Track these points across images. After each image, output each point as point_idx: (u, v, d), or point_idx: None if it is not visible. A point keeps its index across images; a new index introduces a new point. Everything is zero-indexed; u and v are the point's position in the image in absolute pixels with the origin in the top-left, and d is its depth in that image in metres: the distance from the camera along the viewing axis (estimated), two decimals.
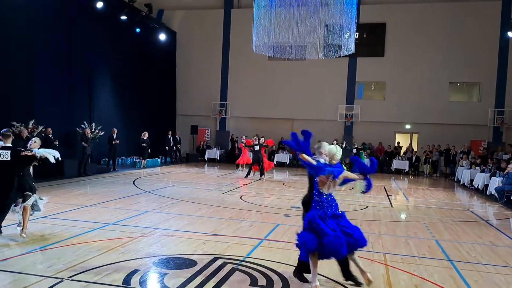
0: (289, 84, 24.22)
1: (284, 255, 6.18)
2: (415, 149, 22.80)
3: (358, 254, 5.12)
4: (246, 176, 16.92)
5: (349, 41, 16.12)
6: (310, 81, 23.96)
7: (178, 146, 23.20)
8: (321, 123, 23.95)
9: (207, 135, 25.97)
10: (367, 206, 11.11)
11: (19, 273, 4.98)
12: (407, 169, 21.41)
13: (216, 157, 24.23)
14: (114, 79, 19.57)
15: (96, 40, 17.88)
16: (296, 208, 10.20)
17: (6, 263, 5.33)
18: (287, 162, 23.03)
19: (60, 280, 4.81)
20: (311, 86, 23.97)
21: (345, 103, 23.86)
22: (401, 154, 22.72)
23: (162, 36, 23.22)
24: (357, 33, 21.73)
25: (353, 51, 16.42)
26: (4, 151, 6.52)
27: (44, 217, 8.06)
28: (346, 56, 19.46)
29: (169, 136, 22.23)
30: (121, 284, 4.78)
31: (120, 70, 19.90)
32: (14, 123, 12.89)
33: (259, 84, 24.62)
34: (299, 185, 15.19)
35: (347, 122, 23.87)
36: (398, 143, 23.36)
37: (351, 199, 12.29)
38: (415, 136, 23.88)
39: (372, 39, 23.34)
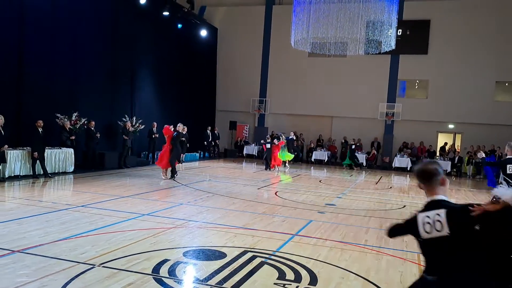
0: (328, 81, 23.84)
1: (314, 251, 6.05)
2: (457, 149, 21.89)
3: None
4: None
5: (390, 37, 15.66)
6: (350, 78, 23.47)
7: (217, 141, 23.43)
8: (361, 121, 23.47)
9: (246, 131, 26.05)
10: (404, 206, 10.73)
11: (54, 258, 5.15)
12: (449, 169, 20.55)
13: (254, 153, 24.25)
14: (156, 74, 20.01)
15: (138, 35, 18.32)
16: (331, 206, 10.03)
17: (41, 248, 5.54)
18: (325, 160, 22.68)
19: (92, 266, 4.93)
20: (351, 83, 23.48)
21: (386, 101, 23.20)
22: (439, 153, 21.89)
23: (204, 32, 23.47)
24: (400, 30, 21.11)
25: (393, 47, 15.92)
26: None
27: (82, 206, 8.35)
28: (388, 53, 18.97)
29: (208, 131, 22.48)
30: (150, 273, 4.83)
31: (162, 65, 20.31)
32: (58, 115, 13.45)
33: (298, 80, 24.40)
34: (336, 183, 14.93)
35: (388, 121, 23.21)
36: (445, 143, 22.46)
37: (388, 198, 11.93)
38: (458, 136, 22.88)
39: (415, 36, 22.54)
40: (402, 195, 12.59)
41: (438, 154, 21.95)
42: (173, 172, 13.19)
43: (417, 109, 22.70)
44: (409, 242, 6.93)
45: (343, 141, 23.60)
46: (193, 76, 22.97)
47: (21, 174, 11.69)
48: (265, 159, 18.14)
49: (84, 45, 15.19)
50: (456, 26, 21.89)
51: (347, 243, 6.61)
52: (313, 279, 4.89)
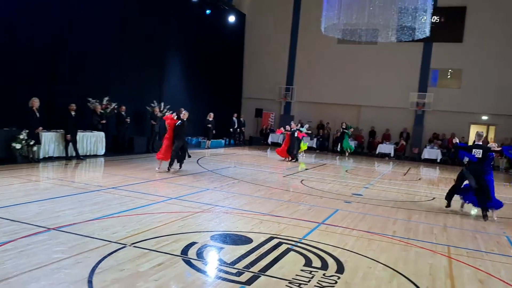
0: (358, 69, 23.43)
1: (341, 240, 6.03)
2: (491, 142, 21.17)
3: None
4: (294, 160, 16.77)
5: (424, 24, 15.17)
6: (381, 66, 23.00)
7: (242, 128, 23.50)
8: (390, 111, 23.03)
9: (272, 119, 26.00)
10: (433, 198, 10.52)
11: (87, 236, 5.32)
12: None
13: (279, 141, 24.17)
14: (184, 60, 20.15)
15: (167, 21, 18.44)
16: (358, 195, 9.94)
17: (75, 226, 5.72)
18: (353, 150, 22.41)
19: (123, 246, 5.06)
20: (381, 71, 23.01)
21: (417, 90, 22.66)
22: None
23: (232, 18, 23.40)
24: (435, 17, 20.45)
25: (428, 34, 15.43)
26: None
27: (112, 188, 8.56)
28: (420, 40, 18.42)
29: (234, 118, 22.56)
30: (179, 254, 4.92)
31: (190, 51, 20.42)
32: (90, 99, 13.76)
33: (326, 68, 24.09)
34: (362, 173, 14.77)
35: (418, 111, 22.69)
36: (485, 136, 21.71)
37: (417, 190, 11.72)
38: (492, 128, 22.14)
39: (450, 24, 21.83)
40: (432, 187, 12.34)
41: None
42: (170, 164, 11.33)
43: (449, 100, 22.09)
44: (438, 234, 6.83)
45: (370, 130, 23.28)
46: (220, 63, 23.01)
47: (54, 156, 12.07)
48: (288, 150, 16.71)
49: (114, 32, 15.41)
50: (493, 13, 21.05)
51: (374, 233, 6.54)
52: (340, 268, 4.88)
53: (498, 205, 8.29)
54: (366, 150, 23.44)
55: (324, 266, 4.90)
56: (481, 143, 8.44)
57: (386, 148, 21.76)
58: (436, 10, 20.07)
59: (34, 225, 5.60)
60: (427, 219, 8.04)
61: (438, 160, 20.69)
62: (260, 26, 25.43)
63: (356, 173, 14.79)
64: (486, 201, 8.13)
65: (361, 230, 6.71)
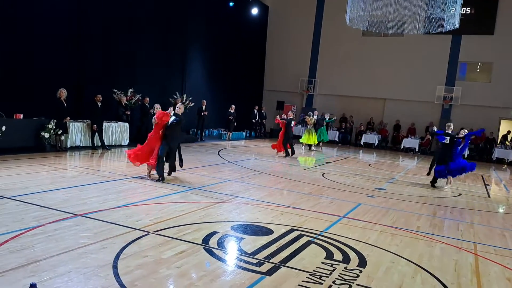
0: (383, 62, 23.01)
1: (363, 234, 5.97)
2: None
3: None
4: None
5: (453, 16, 14.76)
6: (407, 58, 22.52)
7: (263, 121, 23.46)
8: (416, 105, 22.58)
9: (293, 111, 25.82)
10: (460, 194, 10.29)
11: (112, 223, 5.43)
12: (510, 159, 19.41)
13: (300, 134, 24.04)
14: (206, 53, 20.21)
15: (191, 14, 18.51)
16: (381, 190, 9.81)
17: (101, 213, 5.85)
18: (375, 144, 22.12)
19: (146, 233, 5.15)
20: (407, 64, 22.54)
21: (444, 84, 22.11)
22: (500, 141, 20.62)
23: (255, 11, 23.31)
24: (464, 8, 19.88)
25: (457, 26, 15.01)
26: None
27: (136, 177, 8.70)
28: (449, 33, 17.94)
29: (255, 110, 22.54)
30: (200, 243, 4.98)
31: (212, 44, 20.46)
32: (115, 90, 13.99)
33: (350, 61, 23.75)
34: (386, 167, 14.56)
35: (445, 105, 22.15)
36: (509, 131, 21.09)
37: (442, 185, 11.47)
38: None
39: (481, 15, 21.15)
40: (458, 183, 12.06)
41: (499, 142, 20.73)
42: (170, 170, 9.02)
43: (478, 94, 21.47)
44: (464, 231, 6.69)
45: (395, 124, 22.90)
46: (242, 55, 22.99)
47: (81, 145, 12.35)
48: (283, 142, 14.84)
49: (139, 24, 15.57)
50: None
51: (397, 228, 6.45)
52: (362, 262, 4.83)
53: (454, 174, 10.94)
54: (390, 144, 23.08)
55: (346, 259, 4.87)
56: (449, 132, 10.87)
57: (411, 142, 21.37)
58: (466, 1, 19.47)
59: (62, 211, 5.76)
60: (453, 215, 7.89)
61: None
62: (283, 18, 25.24)
63: (379, 167, 14.60)
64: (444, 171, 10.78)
65: (384, 224, 6.63)
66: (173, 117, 8.61)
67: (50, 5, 12.23)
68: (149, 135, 8.72)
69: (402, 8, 14.19)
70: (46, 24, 12.15)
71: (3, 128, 9.79)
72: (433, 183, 11.13)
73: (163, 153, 8.40)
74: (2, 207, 5.70)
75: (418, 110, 22.55)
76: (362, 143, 22.28)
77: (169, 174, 8.97)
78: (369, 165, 15.16)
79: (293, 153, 14.83)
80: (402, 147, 21.62)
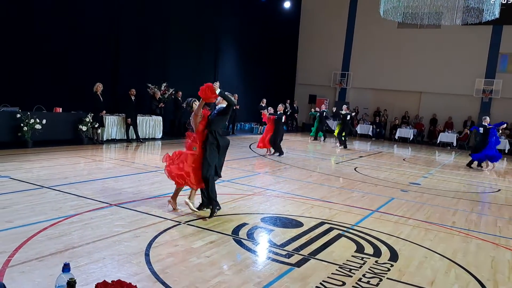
0: (419, 54, 22.37)
1: (396, 228, 5.86)
2: None
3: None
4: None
5: (493, 5, 14.14)
6: (444, 51, 21.78)
7: (295, 115, 23.33)
8: (453, 98, 21.84)
9: (325, 105, 25.57)
10: (499, 190, 9.91)
11: (145, 213, 5.57)
12: None
13: (333, 128, 23.78)
14: (238, 46, 20.28)
15: (223, 8, 18.60)
16: (415, 185, 9.59)
17: (134, 203, 6.01)
18: (410, 138, 21.57)
19: (178, 223, 5.25)
20: (444, 56, 21.81)
21: (484, 76, 21.26)
22: None
23: (287, 4, 23.17)
24: None
25: (497, 16, 14.37)
26: None
27: None
28: (489, 23, 17.23)
29: (287, 104, 22.41)
30: (230, 234, 5.03)
31: (244, 37, 20.50)
32: (149, 84, 14.28)
33: (385, 53, 23.22)
34: (421, 162, 14.20)
35: (485, 98, 21.31)
36: None
37: (481, 181, 11.09)
38: None
39: None
40: (497, 179, 11.62)
41: None
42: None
43: None
44: (502, 227, 6.45)
45: (432, 118, 22.26)
46: (274, 49, 22.91)
47: (116, 138, 12.71)
48: (270, 139, 12.52)
49: (172, 21, 15.79)
50: None
51: (432, 223, 6.29)
52: (394, 256, 4.75)
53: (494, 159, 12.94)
54: (426, 139, 22.46)
55: (377, 253, 4.80)
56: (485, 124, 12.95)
57: (448, 137, 20.72)
58: None
59: (98, 200, 5.95)
60: (491, 211, 7.61)
61: (506, 151, 19.38)
62: (316, 11, 24.95)
63: (414, 162, 14.25)
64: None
65: (418, 219, 6.47)
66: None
67: (89, 3, 12.59)
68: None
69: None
70: (85, 21, 12.54)
71: (44, 121, 10.21)
72: (469, 164, 13.43)
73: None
74: (42, 196, 5.95)
75: (456, 103, 21.82)
76: (396, 137, 21.78)
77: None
78: (404, 159, 14.82)
79: (280, 153, 12.58)
80: (438, 142, 20.99)
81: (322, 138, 19.00)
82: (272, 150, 12.70)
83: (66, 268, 2.46)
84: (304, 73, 25.65)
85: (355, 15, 24.14)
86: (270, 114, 12.68)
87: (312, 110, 19.85)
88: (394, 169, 11.96)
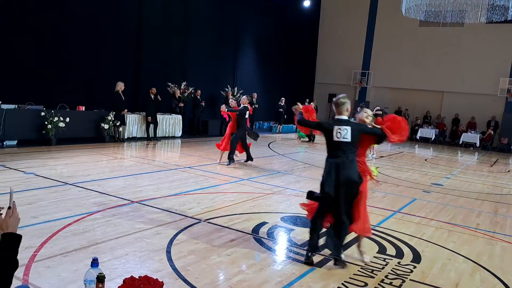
0: (441, 53, 21.94)
1: (418, 229, 5.76)
2: None
3: None
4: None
5: None
6: (467, 49, 21.32)
7: None
8: (476, 98, 21.36)
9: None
10: None
11: (165, 210, 5.61)
12: None
13: None
14: (257, 46, 20.28)
15: (242, 7, 18.62)
16: (438, 185, 9.42)
17: (155, 201, 6.07)
18: (432, 138, 21.19)
19: (198, 221, 5.28)
20: (467, 55, 21.34)
21: (508, 75, 20.72)
22: None
23: (307, 3, 23.06)
24: None
25: None
26: None
27: (188, 167, 8.94)
28: None
29: (306, 103, 22.32)
30: (250, 232, 5.03)
31: (264, 37, 20.48)
32: (170, 83, 14.41)
33: (406, 52, 22.87)
34: (444, 163, 13.94)
35: (510, 98, 20.77)
36: None
37: (505, 182, 10.82)
38: None
39: None
40: None
41: None
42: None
43: None
44: None
45: (454, 118, 21.82)
46: (293, 47, 22.83)
47: (137, 136, 12.87)
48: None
49: (192, 21, 15.89)
50: None
51: (455, 225, 6.16)
52: (416, 257, 4.66)
53: None
54: (448, 139, 22.05)
55: (399, 254, 4.72)
56: None
57: (471, 137, 20.28)
58: None
59: (120, 197, 6.03)
60: (511, 212, 7.42)
61: None
62: (336, 9, 24.74)
63: (436, 162, 14.00)
64: None
65: (441, 220, 6.35)
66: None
67: (112, 4, 12.78)
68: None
69: None
70: (108, 22, 12.73)
71: (67, 119, 10.41)
72: None
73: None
74: (66, 193, 6.06)
75: (479, 103, 21.33)
76: (418, 137, 21.44)
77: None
78: (426, 160, 14.57)
79: (248, 158, 10.13)
80: (461, 142, 20.55)
81: (306, 138, 16.16)
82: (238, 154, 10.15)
83: (94, 263, 2.50)
84: (324, 72, 25.47)
85: (376, 13, 23.84)
86: (228, 109, 9.91)
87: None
88: (416, 170, 11.77)
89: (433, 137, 21.18)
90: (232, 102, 10.51)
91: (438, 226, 6.04)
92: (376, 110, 14.78)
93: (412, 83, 22.78)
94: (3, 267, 1.89)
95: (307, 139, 16.58)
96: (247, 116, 10.09)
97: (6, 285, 1.90)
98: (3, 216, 1.98)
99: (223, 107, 10.20)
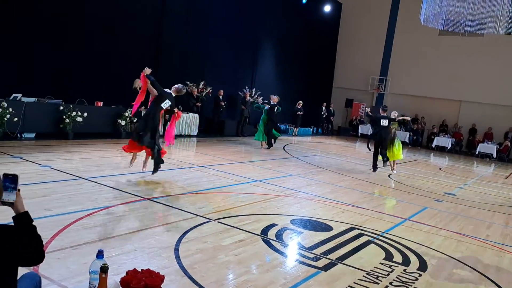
0: (460, 62, 21.67)
1: (426, 238, 5.74)
2: None
3: None
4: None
5: None
6: (486, 60, 21.01)
7: (331, 118, 23.16)
8: (494, 108, 21.03)
9: (362, 110, 25.23)
10: None
11: (177, 208, 5.71)
12: None
13: (369, 133, 23.41)
14: (276, 48, 20.33)
15: (263, 10, 18.70)
16: (450, 195, 9.33)
17: (167, 198, 6.18)
18: (448, 147, 20.91)
19: (208, 220, 5.35)
20: (486, 65, 21.02)
21: None
22: None
23: (327, 8, 23.03)
24: None
25: None
26: None
27: (202, 166, 9.04)
28: None
29: (323, 107, 22.31)
30: (259, 234, 5.08)
31: (283, 39, 20.52)
32: (188, 82, 14.56)
33: (425, 60, 22.64)
34: (458, 172, 13.78)
35: None
36: None
37: None
38: None
39: None
40: None
41: None
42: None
43: None
44: None
45: (471, 128, 21.51)
46: (312, 52, 22.81)
47: None
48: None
49: (212, 22, 16.01)
50: None
51: (464, 235, 6.12)
52: (423, 265, 4.66)
53: None
54: (464, 149, 21.75)
55: (406, 262, 4.72)
56: None
57: (487, 148, 19.97)
58: None
59: (132, 194, 6.15)
60: None
61: None
62: (356, 15, 24.65)
63: (451, 172, 13.84)
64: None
65: (450, 230, 6.31)
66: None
67: (132, 2, 13.00)
68: None
69: (481, 7, 13.22)
70: (128, 20, 12.92)
71: (85, 114, 10.62)
72: None
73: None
74: (79, 187, 6.21)
75: (497, 114, 20.99)
76: (434, 146, 21.21)
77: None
78: (440, 169, 14.42)
79: (156, 163, 7.37)
80: (477, 153, 20.26)
81: (265, 142, 13.66)
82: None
83: (100, 254, 2.59)
84: (342, 77, 25.40)
85: (395, 21, 23.69)
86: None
87: (259, 101, 14.79)
88: (429, 178, 11.67)
89: (449, 146, 20.91)
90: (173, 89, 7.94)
91: (447, 235, 6.01)
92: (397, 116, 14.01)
93: (429, 91, 22.54)
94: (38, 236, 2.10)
95: (266, 145, 13.62)
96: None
97: (42, 254, 2.09)
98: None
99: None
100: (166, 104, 7.27)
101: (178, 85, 7.71)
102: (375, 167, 11.24)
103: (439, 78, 22.19)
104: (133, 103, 7.88)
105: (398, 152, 11.07)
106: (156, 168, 7.29)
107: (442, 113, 22.46)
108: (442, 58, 22.15)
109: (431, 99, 22.72)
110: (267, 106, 13.52)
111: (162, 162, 7.37)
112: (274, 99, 13.44)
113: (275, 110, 13.32)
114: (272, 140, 13.59)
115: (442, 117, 22.45)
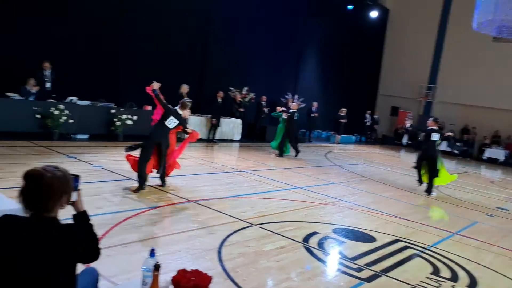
0: None
1: (476, 254, 5.48)
2: None
3: None
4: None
5: None
6: None
7: (375, 126, 22.68)
8: None
9: (408, 118, 24.46)
10: None
11: (219, 211, 5.79)
12: None
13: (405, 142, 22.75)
14: (320, 54, 20.22)
15: (309, 15, 18.67)
16: (503, 210, 8.88)
17: (210, 201, 6.28)
18: (501, 159, 19.88)
19: (250, 225, 5.39)
20: None
21: None
22: None
23: (374, 14, 22.63)
24: None
25: None
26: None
27: (244, 171, 9.12)
28: None
29: (367, 115, 21.89)
30: (301, 241, 5.06)
31: (327, 45, 20.37)
32: (231, 88, 14.79)
33: (477, 68, 21.69)
34: (511, 186, 13.07)
35: None
36: None
37: None
38: None
39: None
40: None
41: None
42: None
43: None
44: None
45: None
46: (358, 58, 22.46)
47: (199, 138, 13.29)
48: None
49: (256, 28, 16.14)
50: None
51: None
52: (473, 283, 4.46)
53: None
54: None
55: (454, 278, 4.54)
56: None
57: None
58: None
59: (177, 195, 6.31)
60: None
61: None
62: (404, 21, 24.05)
63: (504, 185, 13.16)
64: None
65: (503, 247, 6.00)
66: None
67: (181, 10, 13.38)
68: None
69: None
70: (176, 27, 13.32)
71: (135, 117, 11.02)
72: None
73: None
74: (129, 187, 6.43)
75: None
76: (485, 157, 20.24)
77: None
78: (491, 182, 13.74)
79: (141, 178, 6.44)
80: None
81: (278, 151, 12.48)
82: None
83: (152, 253, 2.70)
84: (387, 84, 24.83)
85: (446, 27, 22.89)
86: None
87: (278, 109, 13.48)
88: (480, 191, 11.16)
89: (503, 158, 19.88)
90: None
91: (499, 252, 5.72)
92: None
93: (481, 100, 21.55)
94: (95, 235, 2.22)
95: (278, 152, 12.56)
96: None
97: (98, 252, 2.21)
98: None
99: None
100: (170, 122, 6.57)
101: (184, 99, 7.13)
102: (421, 181, 9.82)
103: (492, 86, 21.18)
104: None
105: (447, 175, 9.66)
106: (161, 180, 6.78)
107: (494, 123, 21.40)
108: (495, 66, 21.14)
109: (483, 108, 21.72)
110: (284, 115, 12.47)
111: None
112: (294, 106, 12.64)
113: (294, 118, 12.48)
114: (295, 148, 12.62)
115: (494, 128, 21.38)
